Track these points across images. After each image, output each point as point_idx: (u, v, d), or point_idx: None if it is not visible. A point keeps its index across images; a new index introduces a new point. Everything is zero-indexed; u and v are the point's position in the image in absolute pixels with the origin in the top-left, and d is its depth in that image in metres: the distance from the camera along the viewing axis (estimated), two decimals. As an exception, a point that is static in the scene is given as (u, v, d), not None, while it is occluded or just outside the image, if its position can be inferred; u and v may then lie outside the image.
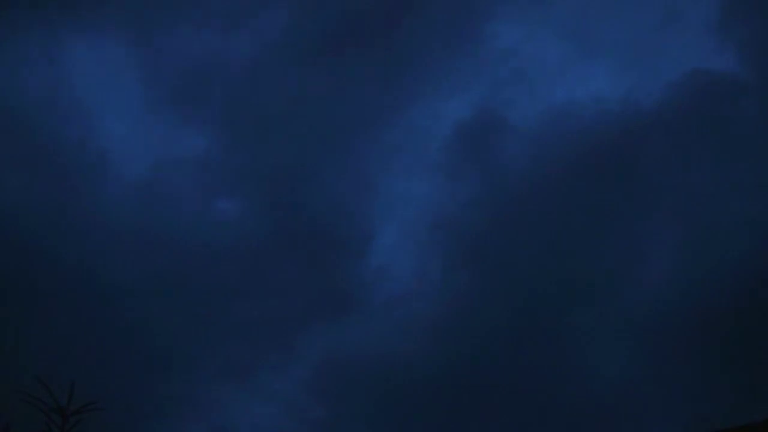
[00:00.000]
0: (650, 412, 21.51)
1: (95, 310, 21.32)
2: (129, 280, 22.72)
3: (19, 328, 18.50)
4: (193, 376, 21.83)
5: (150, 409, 19.90)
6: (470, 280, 25.38)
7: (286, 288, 24.60)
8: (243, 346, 22.80)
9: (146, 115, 27.09)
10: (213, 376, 22.05)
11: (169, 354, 21.67)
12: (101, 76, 27.25)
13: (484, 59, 27.85)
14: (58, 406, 8.97)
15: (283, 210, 26.29)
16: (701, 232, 24.69)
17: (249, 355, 22.77)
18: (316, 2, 27.42)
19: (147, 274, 23.44)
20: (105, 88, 27.25)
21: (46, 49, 26.77)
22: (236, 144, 27.03)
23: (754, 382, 19.88)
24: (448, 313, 24.32)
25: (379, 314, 24.45)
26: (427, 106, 27.83)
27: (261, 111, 27.03)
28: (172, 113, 27.22)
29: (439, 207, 26.72)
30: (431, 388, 22.29)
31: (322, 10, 27.58)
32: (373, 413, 22.02)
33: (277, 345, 23.13)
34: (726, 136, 25.48)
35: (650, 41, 27.69)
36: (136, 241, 24.01)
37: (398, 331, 23.87)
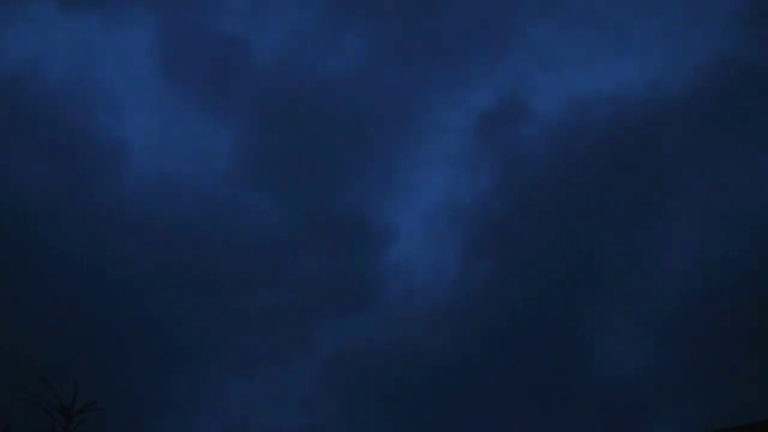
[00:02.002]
0: (668, 405, 21.31)
1: (110, 303, 21.42)
2: (145, 274, 22.79)
3: (30, 321, 18.60)
4: (207, 371, 21.90)
5: (163, 404, 19.99)
6: (489, 271, 25.25)
7: (304, 281, 24.58)
8: (258, 340, 22.79)
9: (170, 105, 27.15)
10: (227, 371, 22.10)
11: (183, 348, 21.72)
12: (125, 65, 27.36)
13: (508, 48, 27.62)
14: (62, 406, 8.96)
15: (304, 202, 26.28)
16: (724, 223, 24.34)
17: (263, 349, 22.77)
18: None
19: (164, 267, 23.50)
20: (129, 77, 27.35)
21: (70, 37, 26.97)
22: (258, 136, 27.04)
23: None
24: (466, 306, 24.22)
25: (397, 307, 24.37)
26: (452, 96, 27.66)
27: (285, 103, 27.01)
28: (197, 104, 27.28)
29: (461, 199, 26.58)
30: (447, 381, 22.22)
31: (347, 1, 27.55)
32: (388, 407, 22.00)
33: (292, 339, 23.13)
34: (752, 125, 25.04)
35: (677, 29, 27.24)
36: (155, 233, 24.09)
37: (415, 324, 23.81)
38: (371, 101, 27.51)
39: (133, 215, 24.36)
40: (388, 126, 27.50)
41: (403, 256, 25.56)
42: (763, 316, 20.70)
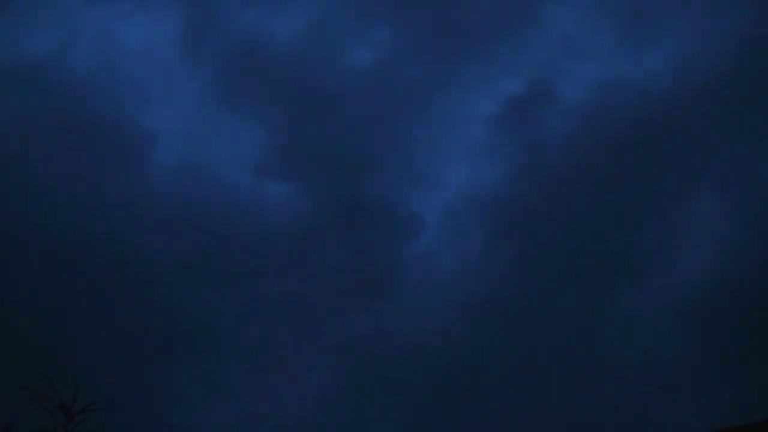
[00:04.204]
0: (689, 394, 21.08)
1: (129, 294, 21.61)
2: (167, 265, 22.99)
3: (50, 308, 18.80)
4: (225, 362, 22.03)
5: (179, 396, 20.11)
6: (512, 261, 25.11)
7: (326, 271, 24.61)
8: (277, 331, 22.89)
9: (195, 95, 27.26)
10: (244, 362, 22.22)
11: (202, 339, 21.87)
12: (150, 55, 27.49)
13: (533, 36, 27.34)
14: (63, 405, 9.08)
15: (328, 192, 26.31)
16: (750, 209, 23.97)
17: (282, 340, 22.85)
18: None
19: (186, 258, 23.68)
20: (154, 66, 27.48)
21: (95, 25, 27.18)
22: (283, 126, 27.06)
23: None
24: (488, 296, 24.10)
25: (418, 297, 24.32)
26: (477, 85, 27.47)
27: (310, 93, 27.03)
28: (221, 94, 27.37)
29: (485, 188, 26.40)
30: (468, 372, 22.18)
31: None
32: (407, 397, 21.99)
33: (312, 330, 23.16)
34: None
35: (703, 14, 26.69)
36: (177, 224, 24.24)
37: (436, 315, 23.76)
38: (396, 90, 27.43)
39: (157, 205, 24.58)
40: (412, 115, 27.41)
41: (426, 245, 25.51)
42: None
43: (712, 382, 21.18)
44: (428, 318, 23.62)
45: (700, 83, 24.95)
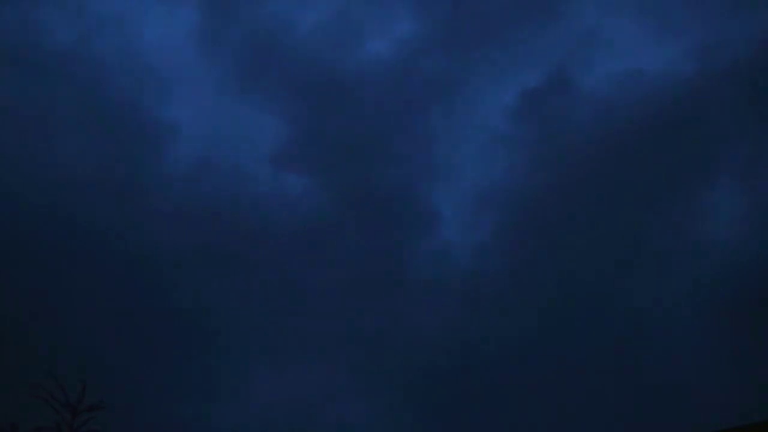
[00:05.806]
0: (705, 391, 20.88)
1: (145, 284, 21.70)
2: (180, 255, 23.06)
3: (68, 298, 18.88)
4: (238, 355, 22.05)
5: (190, 389, 20.15)
6: (526, 259, 24.98)
7: (341, 265, 24.59)
8: (289, 323, 22.92)
9: (214, 87, 27.36)
10: (257, 355, 22.23)
11: (216, 333, 21.85)
12: (173, 46, 27.62)
13: (554, 28, 27.14)
14: (68, 403, 9.25)
15: (346, 185, 26.28)
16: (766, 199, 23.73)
17: (295, 332, 22.86)
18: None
19: (201, 248, 23.76)
20: (175, 57, 27.60)
21: (118, 17, 27.33)
22: (301, 118, 27.07)
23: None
24: (502, 291, 24.02)
25: (432, 292, 24.24)
26: (497, 77, 27.34)
27: (328, 85, 27.02)
28: (240, 86, 27.43)
29: (504, 181, 26.28)
30: (481, 366, 22.14)
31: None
32: (420, 392, 21.94)
33: (324, 322, 23.16)
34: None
35: (723, 3, 26.33)
36: (193, 215, 24.33)
37: (449, 309, 23.72)
38: (414, 83, 27.35)
39: (172, 197, 24.71)
40: (431, 107, 27.32)
41: (442, 239, 25.49)
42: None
43: (727, 379, 21.00)
44: (442, 313, 23.62)
45: (718, 74, 24.71)
